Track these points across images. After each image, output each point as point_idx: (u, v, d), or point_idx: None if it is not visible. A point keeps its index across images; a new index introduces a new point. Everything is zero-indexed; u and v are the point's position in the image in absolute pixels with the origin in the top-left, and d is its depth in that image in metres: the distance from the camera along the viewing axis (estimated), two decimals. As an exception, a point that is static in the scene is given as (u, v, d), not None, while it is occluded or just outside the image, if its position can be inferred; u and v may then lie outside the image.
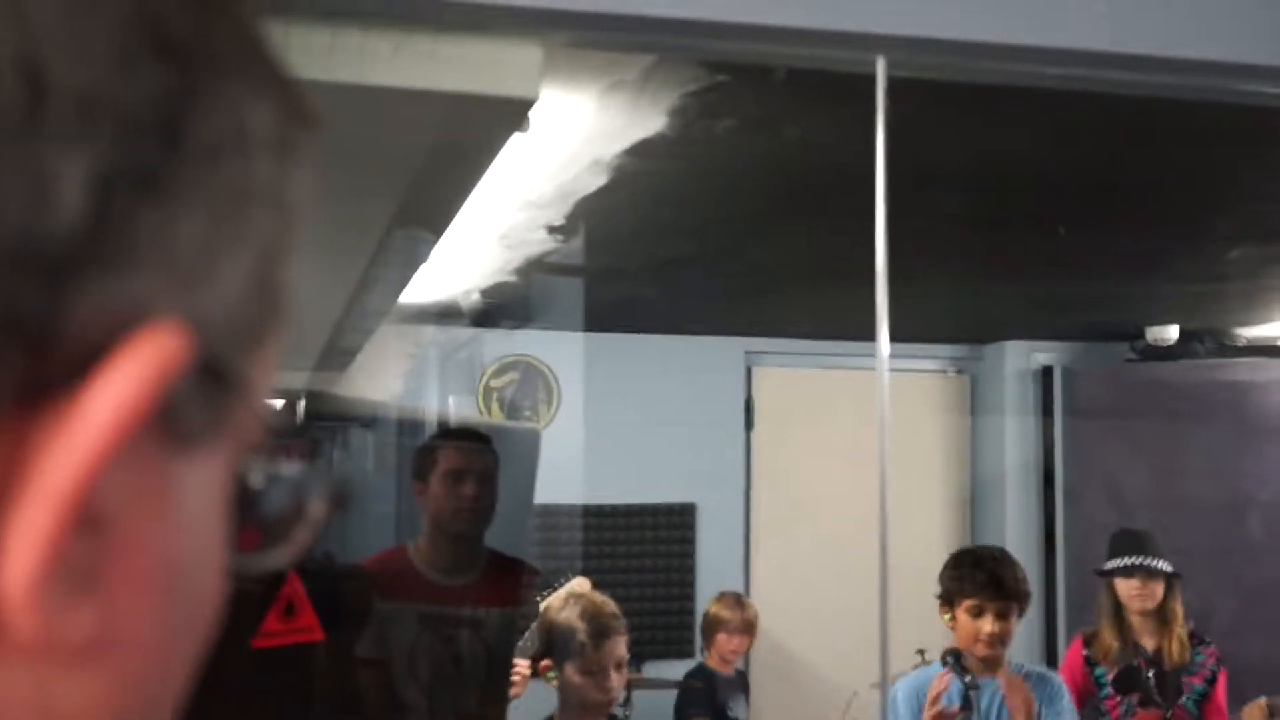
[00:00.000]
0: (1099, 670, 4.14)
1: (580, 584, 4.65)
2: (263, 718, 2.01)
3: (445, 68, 1.57)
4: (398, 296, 3.72)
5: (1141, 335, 5.25)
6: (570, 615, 3.16)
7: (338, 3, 1.50)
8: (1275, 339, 5.19)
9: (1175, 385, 5.22)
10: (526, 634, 3.87)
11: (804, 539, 5.69)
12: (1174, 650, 4.07)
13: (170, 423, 0.35)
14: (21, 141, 0.31)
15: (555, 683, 3.15)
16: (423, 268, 3.39)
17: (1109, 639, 4.14)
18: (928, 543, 5.74)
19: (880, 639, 2.60)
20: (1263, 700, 3.85)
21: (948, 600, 3.26)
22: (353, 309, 3.96)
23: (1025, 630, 5.53)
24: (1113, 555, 4.19)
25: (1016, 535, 5.68)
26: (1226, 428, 5.15)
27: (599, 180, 2.70)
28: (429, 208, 2.67)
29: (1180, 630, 4.10)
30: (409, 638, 3.17)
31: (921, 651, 4.33)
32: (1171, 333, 5.14)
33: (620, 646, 3.21)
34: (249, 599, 1.88)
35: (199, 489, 0.38)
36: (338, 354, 5.06)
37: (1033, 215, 3.26)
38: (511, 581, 3.38)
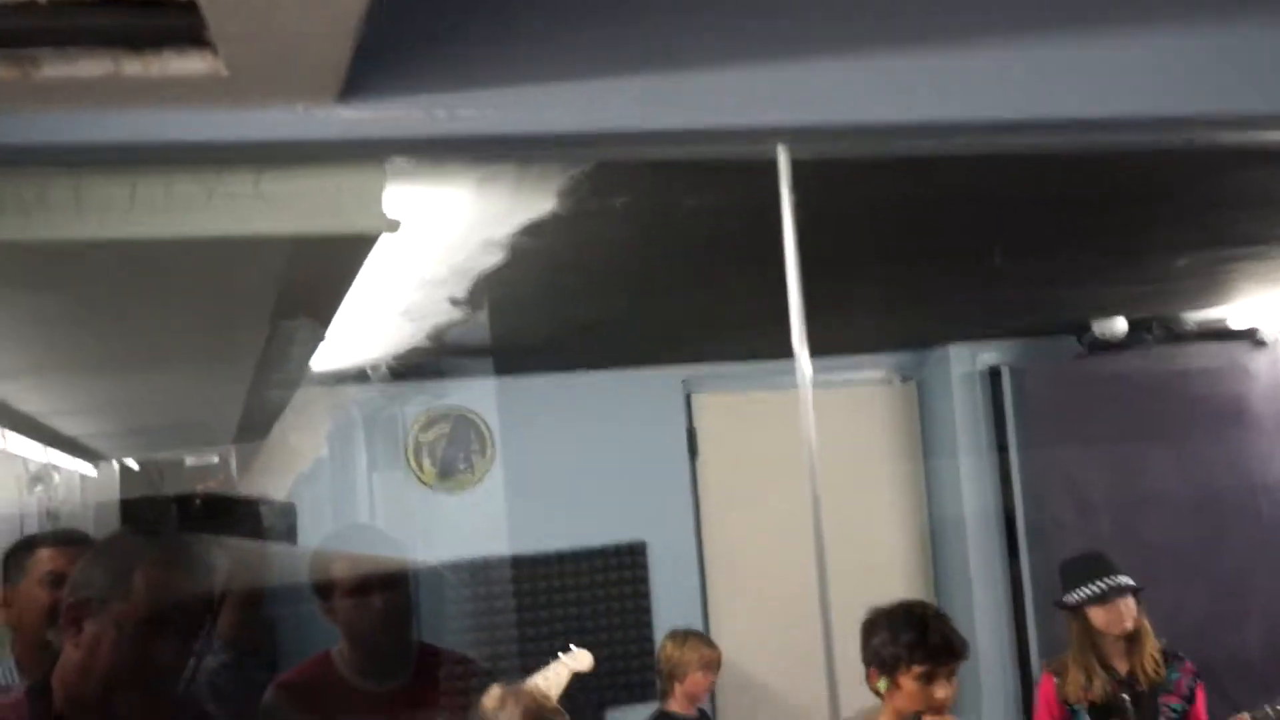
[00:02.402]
0: (1074, 701, 3.98)
1: (583, 657, 4.43)
2: None
3: (271, 210, 1.34)
4: (300, 375, 3.51)
5: (1088, 329, 5.09)
6: (511, 716, 2.94)
7: (132, 152, 1.26)
8: (1223, 321, 5.05)
9: (1127, 376, 5.07)
10: None
11: (759, 567, 5.50)
12: (1148, 670, 3.91)
13: None
14: None
15: None
16: (321, 347, 3.19)
17: (1078, 675, 3.97)
18: (888, 561, 5.58)
19: (828, 683, 2.40)
20: (1245, 715, 3.70)
21: (887, 667, 2.99)
22: (257, 388, 3.75)
23: (995, 639, 5.40)
24: (1073, 585, 4.00)
25: (978, 542, 5.52)
26: (1183, 415, 5.01)
27: (495, 258, 2.48)
28: (308, 303, 2.46)
29: (1152, 648, 3.94)
30: (341, 756, 2.95)
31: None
32: (1119, 325, 4.98)
33: None
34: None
35: None
36: (256, 426, 4.84)
37: (970, 227, 3.07)
38: (449, 678, 3.15)
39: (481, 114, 1.30)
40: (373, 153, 1.32)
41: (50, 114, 1.21)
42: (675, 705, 4.86)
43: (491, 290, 2.82)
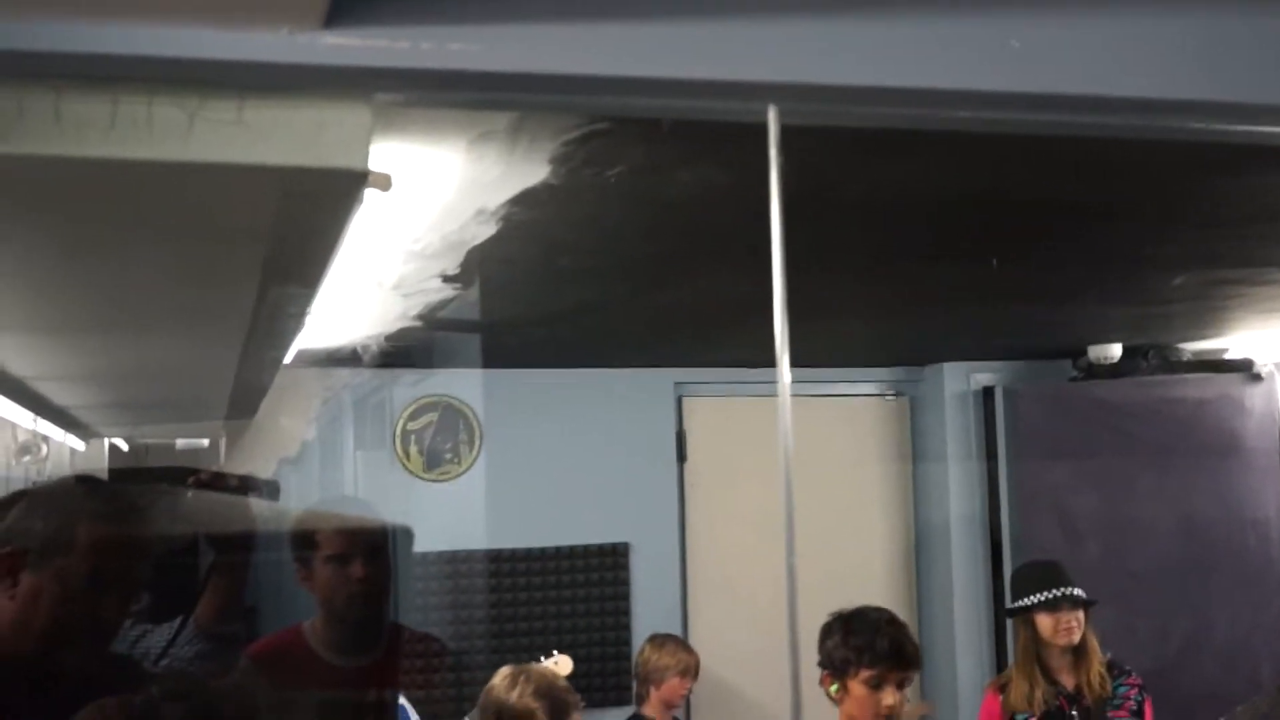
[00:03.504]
0: (1020, 716, 3.95)
1: (564, 662, 4.43)
2: None
3: (253, 138, 1.33)
4: (288, 348, 3.49)
5: (1084, 353, 5.08)
6: (523, 695, 2.93)
7: (112, 65, 1.25)
8: (1221, 353, 5.03)
9: (1120, 403, 5.05)
10: (466, 717, 3.63)
11: (742, 575, 5.47)
12: (1094, 684, 3.89)
13: None
14: None
15: None
16: (313, 319, 3.17)
17: (1022, 685, 3.95)
18: (870, 572, 5.56)
19: (791, 693, 2.37)
20: None
21: (838, 670, 2.96)
22: (247, 361, 3.73)
23: (975, 656, 5.38)
24: (1023, 591, 4.00)
25: (963, 559, 5.50)
26: (1174, 445, 4.99)
27: (487, 230, 2.46)
28: (295, 268, 2.44)
29: (1098, 662, 3.92)
30: (306, 727, 2.92)
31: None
32: (1114, 351, 4.97)
33: None
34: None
35: None
36: (246, 402, 4.82)
37: (967, 243, 3.06)
38: (420, 660, 3.14)
39: (469, 49, 1.28)
40: (357, 83, 1.30)
41: (30, 22, 1.20)
42: (651, 710, 4.83)
43: (484, 268, 2.81)
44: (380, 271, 2.88)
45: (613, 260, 2.87)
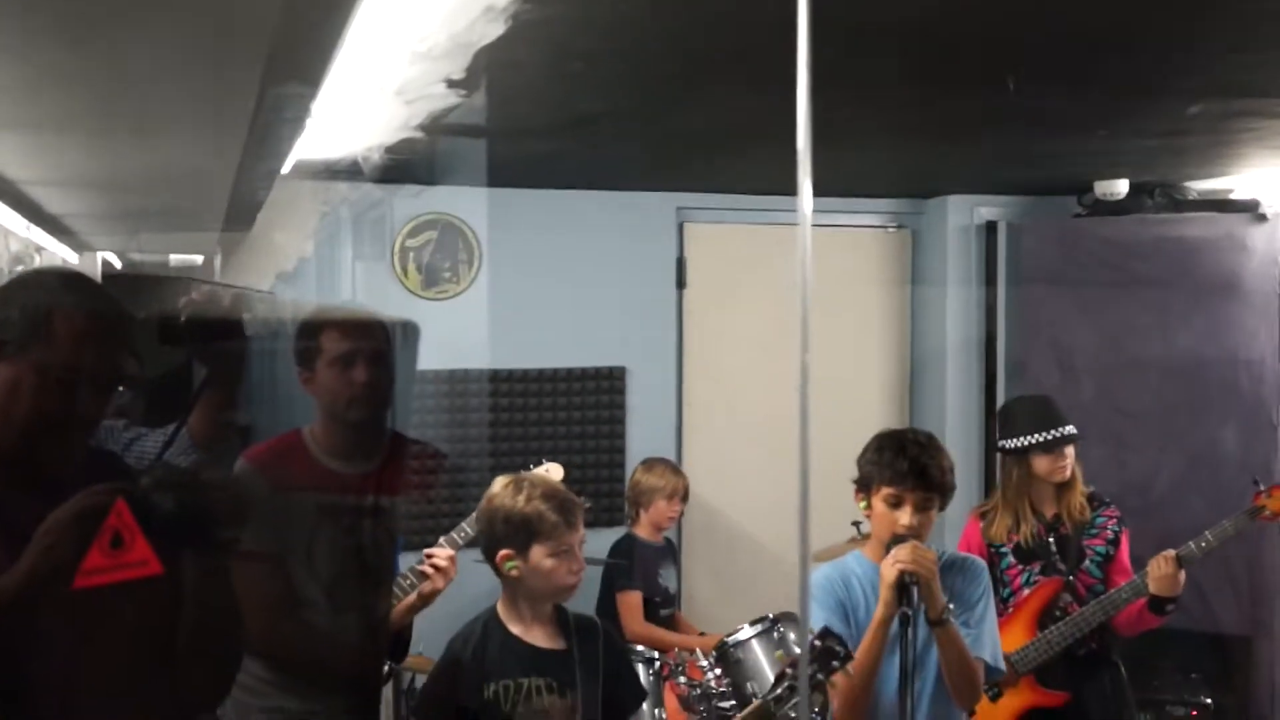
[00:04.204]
0: (998, 542, 4.02)
1: (555, 470, 4.45)
2: (107, 658, 1.78)
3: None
4: (288, 155, 3.43)
5: (1089, 189, 5.03)
6: (531, 499, 2.94)
7: None
8: (1227, 192, 4.98)
9: (1123, 241, 5.03)
10: (463, 523, 3.66)
11: (738, 402, 5.51)
12: (1074, 513, 3.95)
13: None
14: None
15: (516, 571, 2.93)
16: (314, 122, 3.10)
17: (1007, 518, 4.01)
18: (865, 407, 5.60)
19: (800, 518, 2.38)
20: (1170, 552, 3.73)
21: (864, 486, 2.97)
22: (246, 166, 3.68)
23: (964, 482, 5.42)
24: (1018, 430, 4.01)
25: (957, 395, 5.54)
26: (1174, 284, 4.98)
27: (496, 29, 2.38)
28: (298, 64, 2.38)
29: (1080, 493, 3.97)
30: (306, 531, 2.94)
31: (857, 524, 4.18)
32: (1121, 187, 4.92)
33: (582, 525, 3.02)
34: (70, 533, 1.63)
35: None
36: (242, 214, 4.77)
37: (979, 69, 2.99)
38: (419, 467, 3.15)
39: None
40: None
41: None
42: (641, 531, 4.91)
43: (490, 72, 2.74)
44: (383, 74, 2.81)
45: (626, 68, 2.80)
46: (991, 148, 4.29)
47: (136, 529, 1.61)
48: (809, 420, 1.70)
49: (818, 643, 2.84)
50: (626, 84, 2.98)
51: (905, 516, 2.89)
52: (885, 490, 2.92)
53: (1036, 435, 3.95)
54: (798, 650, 4.07)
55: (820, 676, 2.80)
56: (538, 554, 2.93)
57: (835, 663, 2.81)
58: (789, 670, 2.92)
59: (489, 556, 3.00)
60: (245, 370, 2.67)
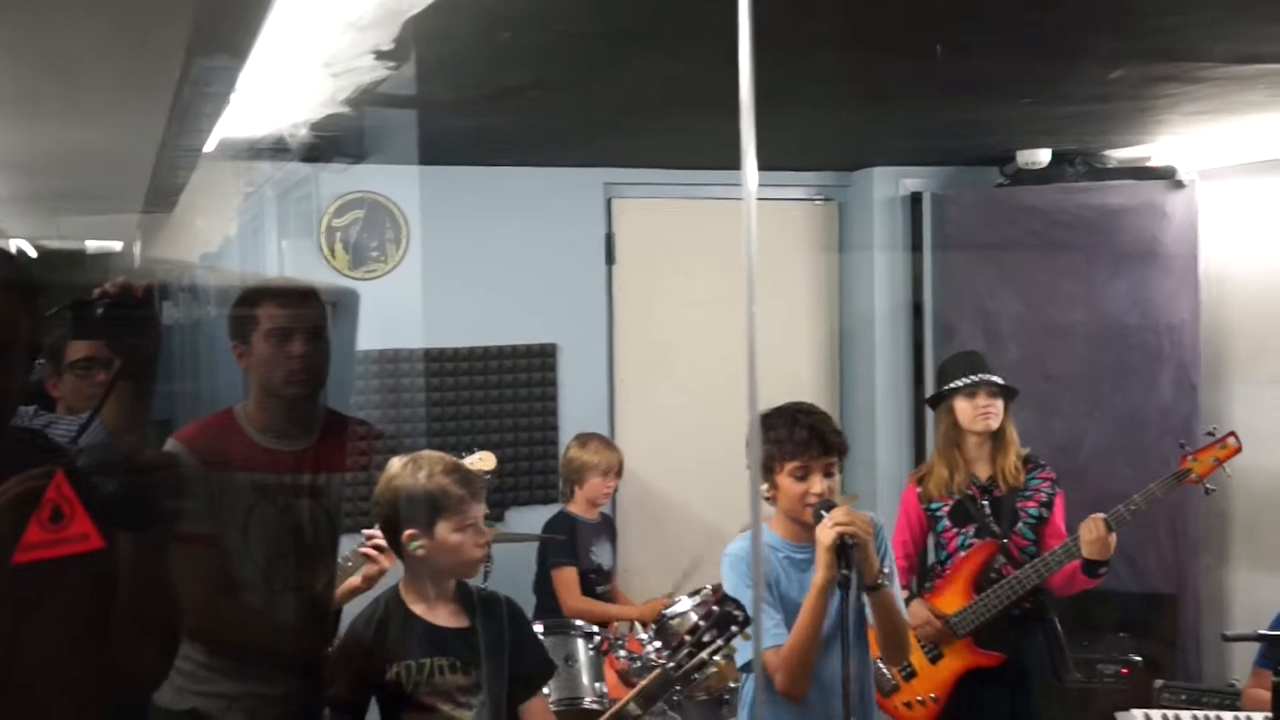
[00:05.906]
0: (934, 505, 4.07)
1: (487, 459, 4.43)
2: (48, 636, 1.74)
3: None
4: (211, 129, 3.37)
5: (1012, 159, 5.09)
6: (432, 475, 2.91)
7: None
8: (1145, 160, 5.07)
9: (1046, 209, 5.09)
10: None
11: (669, 378, 5.52)
12: (1008, 474, 4.00)
13: None
14: None
15: (422, 550, 2.90)
16: (238, 97, 3.05)
17: (941, 471, 4.06)
18: (796, 377, 5.64)
19: (751, 484, 2.39)
20: (1100, 516, 3.80)
21: (766, 469, 2.94)
22: (169, 145, 3.61)
23: (896, 473, 5.49)
24: (945, 379, 4.09)
25: (887, 367, 5.59)
26: (1096, 250, 5.06)
27: (426, -1, 2.36)
28: (225, 30, 2.34)
29: (1015, 454, 4.03)
30: (241, 511, 2.90)
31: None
32: (1043, 156, 4.99)
33: (483, 499, 3.00)
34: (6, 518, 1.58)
35: None
36: (163, 195, 4.69)
37: (903, 37, 3.00)
38: (354, 444, 3.11)
39: None
40: None
41: None
42: (576, 508, 4.90)
43: (419, 44, 2.71)
44: (311, 45, 2.76)
45: (555, 37, 2.78)
46: (916, 119, 4.32)
47: (76, 502, 1.57)
48: (756, 368, 1.70)
49: (715, 607, 2.85)
50: (555, 53, 2.96)
51: (816, 484, 2.91)
52: (790, 464, 2.92)
53: (956, 381, 4.02)
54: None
55: (719, 641, 2.81)
56: (443, 530, 2.90)
57: (734, 627, 2.82)
58: (687, 637, 2.91)
59: (391, 537, 2.97)
60: (159, 361, 2.59)
